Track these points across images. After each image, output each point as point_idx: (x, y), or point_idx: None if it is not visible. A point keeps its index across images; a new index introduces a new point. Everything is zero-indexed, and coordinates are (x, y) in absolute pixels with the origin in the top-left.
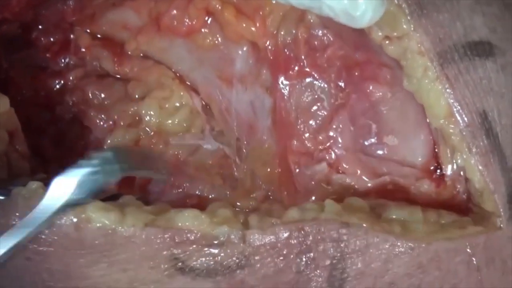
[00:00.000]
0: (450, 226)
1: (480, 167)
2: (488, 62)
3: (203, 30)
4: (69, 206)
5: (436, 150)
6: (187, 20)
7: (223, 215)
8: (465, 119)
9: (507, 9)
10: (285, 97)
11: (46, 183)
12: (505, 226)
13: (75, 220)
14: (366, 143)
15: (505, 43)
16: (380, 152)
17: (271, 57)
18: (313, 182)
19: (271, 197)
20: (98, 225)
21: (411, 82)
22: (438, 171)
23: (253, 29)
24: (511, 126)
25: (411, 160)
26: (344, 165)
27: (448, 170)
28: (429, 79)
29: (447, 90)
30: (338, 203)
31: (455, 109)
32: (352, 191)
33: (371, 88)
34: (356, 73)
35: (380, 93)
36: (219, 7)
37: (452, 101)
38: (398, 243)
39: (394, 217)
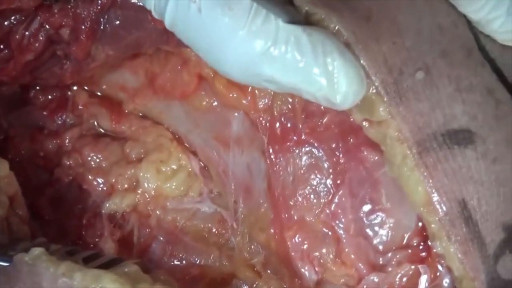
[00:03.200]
0: None
1: (459, 255)
2: (467, 150)
3: (200, 92)
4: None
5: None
6: (180, 84)
7: None
8: (444, 207)
9: (489, 94)
10: (283, 168)
11: (47, 248)
12: None
13: None
14: (364, 216)
15: (486, 129)
16: (378, 225)
17: (267, 130)
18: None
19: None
20: None
21: (391, 168)
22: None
23: (244, 101)
24: (491, 214)
25: (409, 230)
26: (346, 249)
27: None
28: (407, 167)
29: (426, 178)
30: None
31: (434, 198)
32: None
33: (365, 153)
34: (351, 140)
35: (376, 158)
36: (212, 74)
37: (430, 189)
38: None
39: None
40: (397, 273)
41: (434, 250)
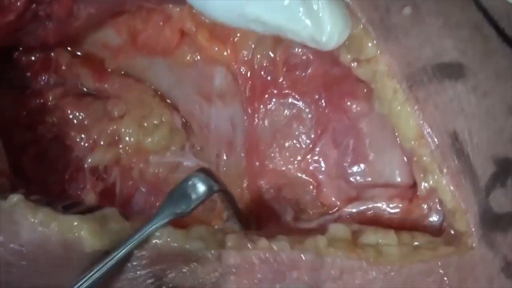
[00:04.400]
0: (423, 247)
1: (451, 188)
2: (458, 83)
3: (182, 47)
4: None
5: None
6: (163, 40)
7: (199, 233)
8: (435, 140)
9: (477, 31)
10: (262, 120)
11: (27, 198)
12: (477, 245)
13: (62, 240)
14: (347, 164)
15: (477, 63)
16: (359, 174)
17: (248, 82)
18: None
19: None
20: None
21: (381, 105)
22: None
23: (225, 54)
24: (482, 146)
25: (391, 178)
26: (324, 189)
27: (422, 188)
28: (398, 101)
29: (417, 112)
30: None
31: (425, 131)
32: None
33: (349, 104)
34: (335, 90)
35: (359, 108)
36: (194, 29)
37: (422, 122)
38: (372, 270)
39: (369, 241)
40: (386, 208)
41: (425, 185)
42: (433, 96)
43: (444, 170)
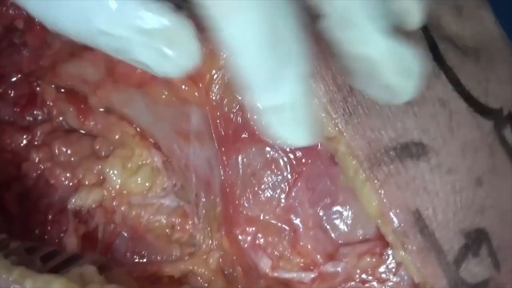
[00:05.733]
0: None
1: (417, 264)
2: (420, 162)
3: (158, 84)
4: None
5: None
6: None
7: None
8: (397, 219)
9: (443, 106)
10: (233, 168)
11: (7, 245)
12: None
13: None
14: (323, 210)
15: (439, 141)
16: (337, 219)
17: (219, 127)
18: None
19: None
20: None
21: (346, 179)
22: None
23: (196, 94)
24: (448, 221)
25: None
26: (301, 243)
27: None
28: (359, 180)
29: (378, 191)
30: None
31: (386, 210)
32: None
33: (321, 148)
34: None
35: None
36: None
37: (383, 202)
38: None
39: None
40: (357, 265)
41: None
42: (394, 176)
43: (408, 248)
